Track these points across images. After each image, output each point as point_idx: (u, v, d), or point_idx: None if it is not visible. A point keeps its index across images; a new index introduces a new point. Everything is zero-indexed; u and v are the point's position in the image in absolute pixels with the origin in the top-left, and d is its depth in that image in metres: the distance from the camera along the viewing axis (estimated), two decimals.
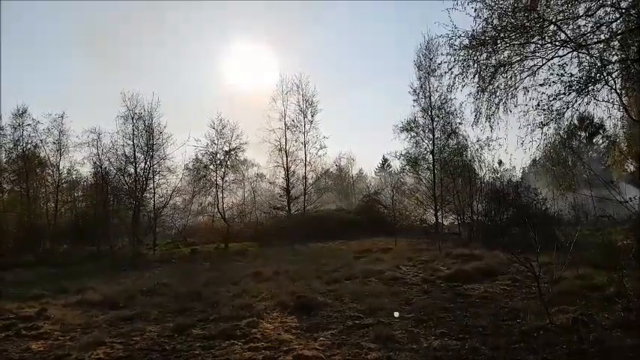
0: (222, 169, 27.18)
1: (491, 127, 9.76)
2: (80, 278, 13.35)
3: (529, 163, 33.60)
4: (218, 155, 26.94)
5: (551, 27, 8.58)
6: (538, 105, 8.67)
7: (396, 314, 7.29)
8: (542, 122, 8.70)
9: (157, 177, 25.24)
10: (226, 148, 26.92)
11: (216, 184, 27.15)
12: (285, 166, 27.47)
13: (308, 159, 27.78)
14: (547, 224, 15.83)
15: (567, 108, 8.40)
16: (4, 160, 24.37)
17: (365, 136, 70.10)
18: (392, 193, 23.63)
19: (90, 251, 22.03)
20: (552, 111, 8.52)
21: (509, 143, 10.49)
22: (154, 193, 25.30)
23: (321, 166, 29.63)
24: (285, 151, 27.46)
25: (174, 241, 27.28)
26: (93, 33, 64.95)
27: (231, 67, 56.59)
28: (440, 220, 21.75)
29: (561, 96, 8.40)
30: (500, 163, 23.51)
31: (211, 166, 27.15)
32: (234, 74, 55.04)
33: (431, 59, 21.31)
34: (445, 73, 9.53)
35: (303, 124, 27.52)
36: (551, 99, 8.50)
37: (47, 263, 18.54)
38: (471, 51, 9.06)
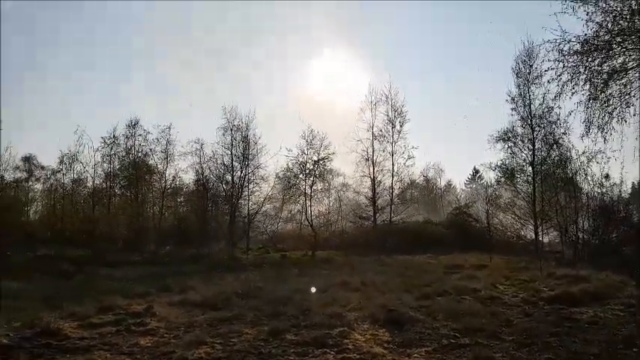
0: (311, 178, 27.98)
1: (604, 138, 9.00)
2: (182, 278, 14.19)
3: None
4: (307, 165, 27.83)
5: None
6: None
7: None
8: None
9: (251, 185, 26.96)
10: (315, 158, 27.72)
11: (305, 192, 27.97)
12: (372, 176, 27.50)
13: (395, 169, 27.59)
14: None
15: None
16: (117, 167, 27.30)
17: (452, 147, 67.38)
18: (486, 207, 22.41)
19: (190, 253, 23.42)
20: None
21: (625, 156, 9.53)
22: (249, 200, 26.98)
23: (408, 177, 29.28)
24: (372, 161, 27.53)
25: (265, 246, 28.39)
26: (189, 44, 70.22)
27: (314, 76, 58.35)
28: (540, 238, 20.17)
29: None
30: (607, 177, 21.18)
31: (301, 175, 28.10)
32: (316, 84, 56.64)
33: (531, 66, 20.44)
34: (553, 79, 8.97)
35: (391, 134, 27.49)
36: None
37: (152, 263, 19.85)
38: (582, 57, 8.40)
